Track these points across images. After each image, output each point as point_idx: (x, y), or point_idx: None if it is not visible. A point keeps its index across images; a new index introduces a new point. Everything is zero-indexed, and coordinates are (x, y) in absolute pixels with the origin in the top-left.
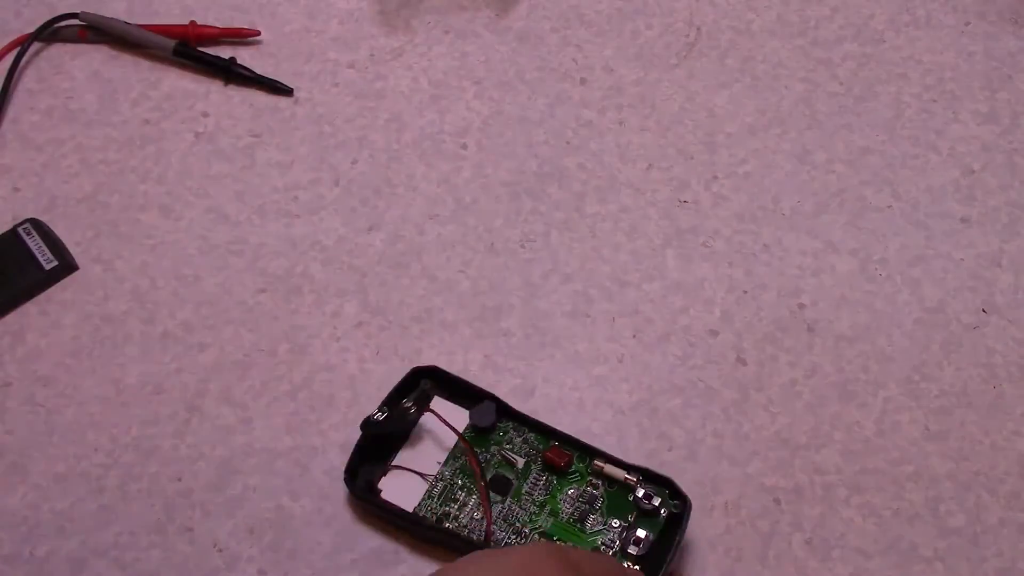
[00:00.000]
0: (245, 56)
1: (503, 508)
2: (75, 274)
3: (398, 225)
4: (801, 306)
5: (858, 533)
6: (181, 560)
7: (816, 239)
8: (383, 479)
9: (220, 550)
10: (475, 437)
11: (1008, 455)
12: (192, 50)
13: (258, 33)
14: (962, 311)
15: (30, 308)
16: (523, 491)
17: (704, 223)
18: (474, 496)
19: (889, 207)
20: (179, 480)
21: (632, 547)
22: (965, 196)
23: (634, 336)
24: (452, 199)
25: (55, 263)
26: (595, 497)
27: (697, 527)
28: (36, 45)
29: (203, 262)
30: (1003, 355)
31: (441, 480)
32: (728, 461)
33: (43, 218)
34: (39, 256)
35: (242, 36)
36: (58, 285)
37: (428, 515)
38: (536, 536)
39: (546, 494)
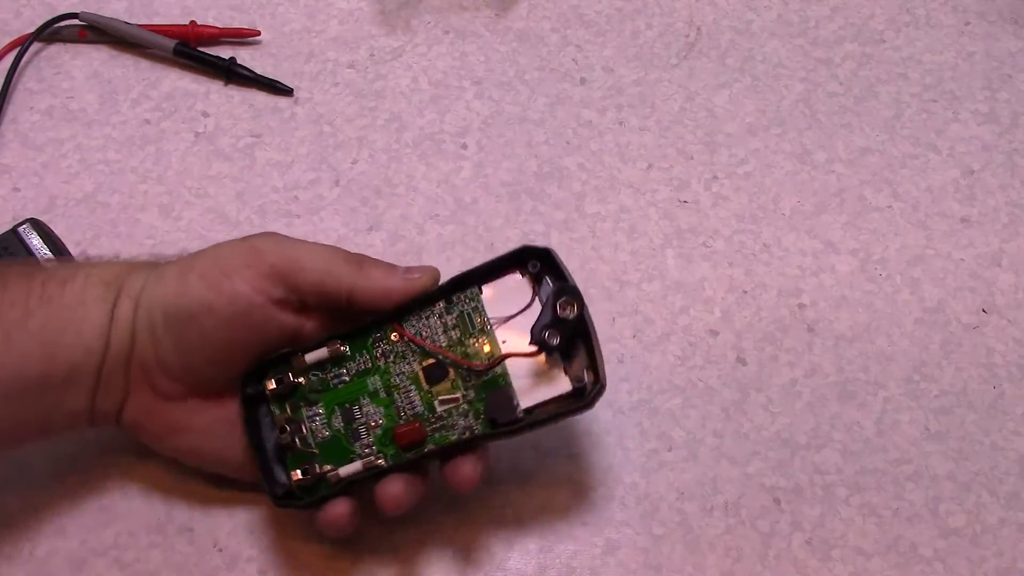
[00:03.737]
0: (245, 56)
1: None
2: None
3: (398, 225)
4: (801, 306)
5: (858, 533)
6: (181, 560)
7: (816, 239)
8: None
9: (220, 550)
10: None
11: (1008, 455)
12: (192, 50)
13: (258, 33)
14: (962, 311)
15: None
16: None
17: (704, 223)
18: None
19: (889, 207)
20: (179, 479)
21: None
22: (965, 196)
23: (634, 336)
24: (452, 199)
25: None
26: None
27: (697, 527)
28: (36, 45)
29: None
30: (1003, 355)
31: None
32: (728, 461)
33: (43, 218)
34: (39, 256)
35: (242, 36)
36: None
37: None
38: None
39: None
